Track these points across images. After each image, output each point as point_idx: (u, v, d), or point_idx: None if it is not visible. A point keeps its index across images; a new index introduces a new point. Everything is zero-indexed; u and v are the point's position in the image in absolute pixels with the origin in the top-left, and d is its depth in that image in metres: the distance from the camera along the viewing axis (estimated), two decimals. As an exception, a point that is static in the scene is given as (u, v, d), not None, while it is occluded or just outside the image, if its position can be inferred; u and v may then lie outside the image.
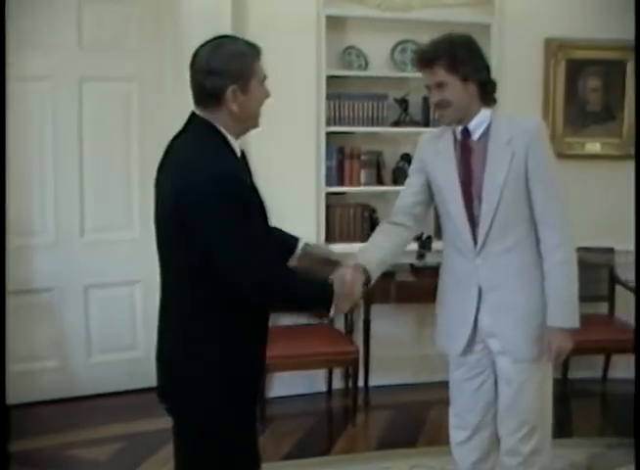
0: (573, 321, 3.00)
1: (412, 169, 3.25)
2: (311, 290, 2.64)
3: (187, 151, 2.55)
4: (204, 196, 2.44)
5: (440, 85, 2.95)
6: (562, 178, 3.03)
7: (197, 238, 2.46)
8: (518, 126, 2.98)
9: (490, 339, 3.09)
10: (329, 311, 2.62)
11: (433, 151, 3.13)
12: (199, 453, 2.65)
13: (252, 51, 2.59)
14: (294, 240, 2.97)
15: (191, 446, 2.66)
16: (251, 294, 2.50)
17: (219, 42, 2.57)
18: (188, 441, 2.67)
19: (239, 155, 2.64)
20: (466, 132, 3.03)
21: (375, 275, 2.91)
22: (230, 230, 2.45)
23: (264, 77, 2.63)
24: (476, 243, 3.02)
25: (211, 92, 2.52)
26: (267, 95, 2.66)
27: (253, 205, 2.53)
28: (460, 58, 2.92)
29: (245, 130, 2.66)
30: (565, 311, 2.99)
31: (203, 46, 2.57)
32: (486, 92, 3.01)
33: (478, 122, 3.01)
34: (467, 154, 3.03)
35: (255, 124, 2.68)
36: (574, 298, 3.01)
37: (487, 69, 3.02)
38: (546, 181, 2.97)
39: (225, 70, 2.51)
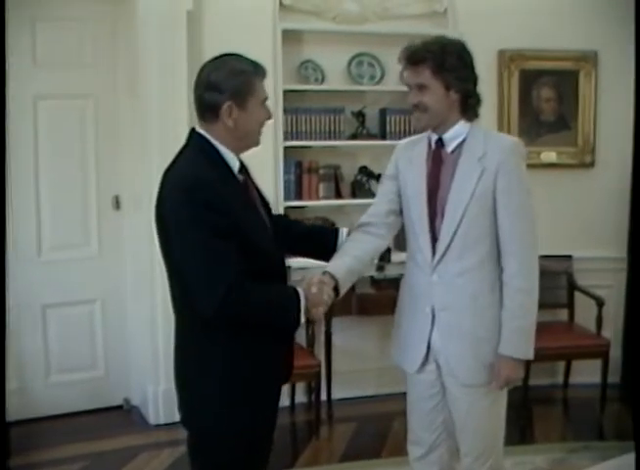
0: (526, 352, 2.92)
1: (386, 176, 3.14)
2: (277, 300, 2.61)
3: (174, 165, 2.61)
4: (168, 204, 2.50)
5: (422, 87, 2.84)
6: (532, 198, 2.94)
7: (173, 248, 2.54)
8: (493, 143, 2.88)
9: (441, 359, 3.00)
10: (299, 319, 2.60)
11: (406, 158, 3.03)
12: (205, 462, 2.72)
13: (255, 70, 2.61)
14: (331, 234, 3.03)
15: (196, 456, 2.74)
16: (206, 313, 2.48)
17: (223, 59, 2.61)
18: (193, 451, 2.74)
19: (236, 169, 2.63)
20: (440, 143, 2.94)
21: (344, 282, 2.81)
22: (188, 243, 2.46)
23: (265, 98, 2.64)
24: (434, 257, 2.93)
25: (209, 106, 2.57)
26: (268, 116, 2.67)
27: (225, 214, 2.47)
28: (448, 64, 2.80)
29: (244, 147, 2.66)
30: (517, 341, 2.90)
31: (208, 62, 2.62)
32: (468, 105, 2.90)
33: (454, 134, 2.91)
34: (438, 165, 2.93)
35: (255, 142, 2.69)
36: (530, 328, 2.91)
37: (475, 81, 2.91)
38: (514, 204, 2.87)
39: (224, 86, 2.54)
